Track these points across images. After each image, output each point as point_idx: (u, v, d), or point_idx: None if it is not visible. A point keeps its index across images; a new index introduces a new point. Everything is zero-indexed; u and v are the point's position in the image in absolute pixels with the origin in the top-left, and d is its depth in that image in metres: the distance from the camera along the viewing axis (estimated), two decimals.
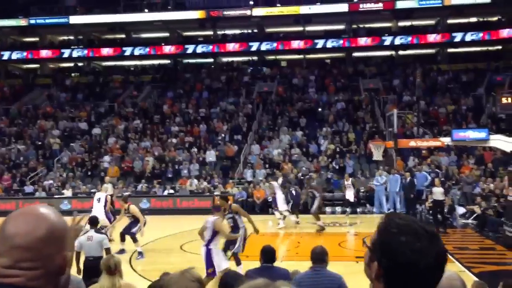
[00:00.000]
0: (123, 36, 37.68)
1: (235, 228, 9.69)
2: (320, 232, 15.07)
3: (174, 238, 13.92)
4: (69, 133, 28.63)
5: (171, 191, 22.36)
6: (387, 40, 34.51)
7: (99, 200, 13.92)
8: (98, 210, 13.46)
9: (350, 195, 19.45)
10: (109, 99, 32.90)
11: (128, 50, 36.16)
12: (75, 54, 36.51)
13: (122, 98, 32.84)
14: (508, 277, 8.98)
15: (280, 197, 16.70)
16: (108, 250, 7.88)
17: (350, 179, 20.11)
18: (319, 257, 5.33)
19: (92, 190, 21.03)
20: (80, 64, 38.39)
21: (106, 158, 25.14)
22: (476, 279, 7.57)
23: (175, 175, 23.92)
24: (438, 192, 15.65)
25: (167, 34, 37.37)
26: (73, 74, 38.25)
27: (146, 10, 36.22)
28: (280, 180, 18.57)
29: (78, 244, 7.74)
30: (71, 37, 38.37)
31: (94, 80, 36.06)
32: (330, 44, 34.90)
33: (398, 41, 34.26)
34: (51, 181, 23.67)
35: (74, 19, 35.39)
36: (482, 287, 5.54)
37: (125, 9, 36.00)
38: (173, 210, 20.63)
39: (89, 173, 24.72)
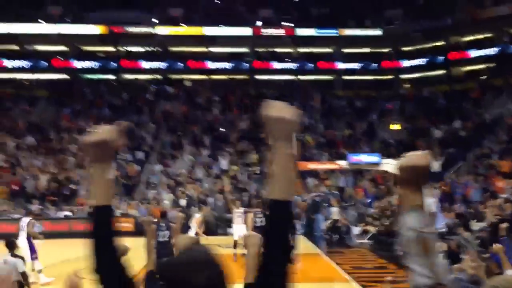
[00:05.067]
0: (16, 47, 35.35)
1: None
2: None
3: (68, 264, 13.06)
4: None
5: (67, 213, 21.11)
6: (288, 65, 35.95)
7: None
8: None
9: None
10: None
11: (20, 63, 33.98)
12: None
13: (13, 113, 30.67)
14: None
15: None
16: (24, 274, 7.50)
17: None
18: None
19: None
20: None
21: None
22: None
23: (72, 195, 22.71)
24: (334, 212, 16.49)
25: (65, 48, 35.68)
26: None
27: (42, 22, 34.35)
28: (184, 201, 18.27)
29: None
30: None
31: None
32: (234, 66, 35.57)
33: (298, 66, 35.82)
34: None
35: None
36: None
37: (18, 19, 33.85)
38: (68, 233, 19.38)
39: None
